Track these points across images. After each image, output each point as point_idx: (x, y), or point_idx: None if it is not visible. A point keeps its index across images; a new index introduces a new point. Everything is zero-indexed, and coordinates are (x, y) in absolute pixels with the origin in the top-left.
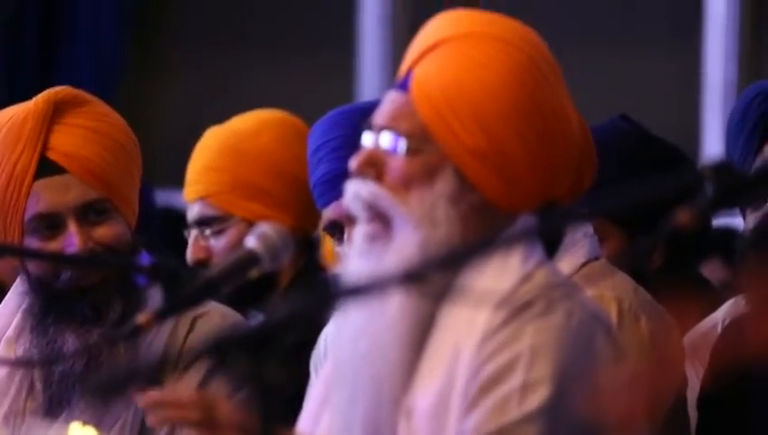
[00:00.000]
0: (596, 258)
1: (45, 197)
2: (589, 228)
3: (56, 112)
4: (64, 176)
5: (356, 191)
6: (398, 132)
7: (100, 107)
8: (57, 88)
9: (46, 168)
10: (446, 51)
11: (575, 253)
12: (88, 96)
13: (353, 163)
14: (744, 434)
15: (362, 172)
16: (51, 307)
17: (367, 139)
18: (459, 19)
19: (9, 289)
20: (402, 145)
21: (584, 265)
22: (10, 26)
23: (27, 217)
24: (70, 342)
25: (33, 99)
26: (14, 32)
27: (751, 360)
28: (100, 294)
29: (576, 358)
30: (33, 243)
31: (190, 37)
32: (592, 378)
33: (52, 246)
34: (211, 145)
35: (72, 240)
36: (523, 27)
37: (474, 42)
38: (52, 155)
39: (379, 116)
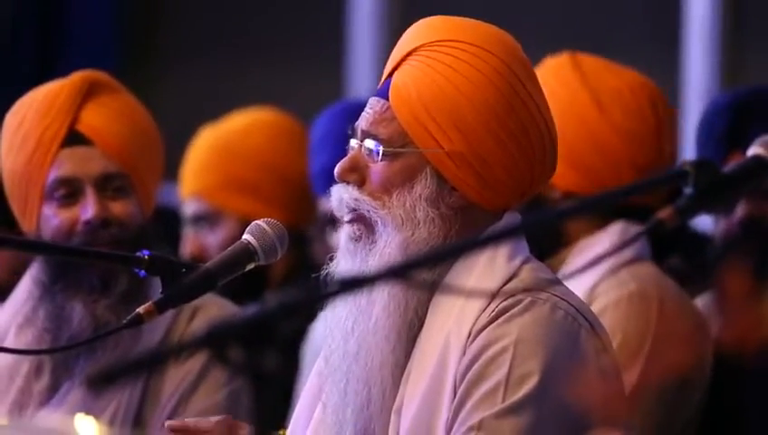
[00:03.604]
0: (640, 258)
1: (68, 164)
2: (639, 229)
3: (90, 91)
4: (89, 148)
5: (339, 197)
6: (377, 138)
7: (130, 97)
8: (93, 70)
9: (73, 138)
10: (422, 57)
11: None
12: (120, 85)
13: (337, 169)
14: (740, 422)
15: (345, 178)
16: (59, 276)
17: (351, 144)
18: (435, 26)
19: (4, 287)
20: (381, 150)
21: (630, 262)
22: (7, 25)
23: (49, 181)
24: (77, 309)
25: (70, 76)
26: (11, 30)
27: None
28: (108, 266)
29: (560, 351)
30: (50, 209)
31: (184, 36)
32: (577, 370)
33: (68, 213)
34: (204, 144)
35: (89, 207)
36: (497, 31)
37: (449, 48)
38: (80, 127)
39: (361, 122)
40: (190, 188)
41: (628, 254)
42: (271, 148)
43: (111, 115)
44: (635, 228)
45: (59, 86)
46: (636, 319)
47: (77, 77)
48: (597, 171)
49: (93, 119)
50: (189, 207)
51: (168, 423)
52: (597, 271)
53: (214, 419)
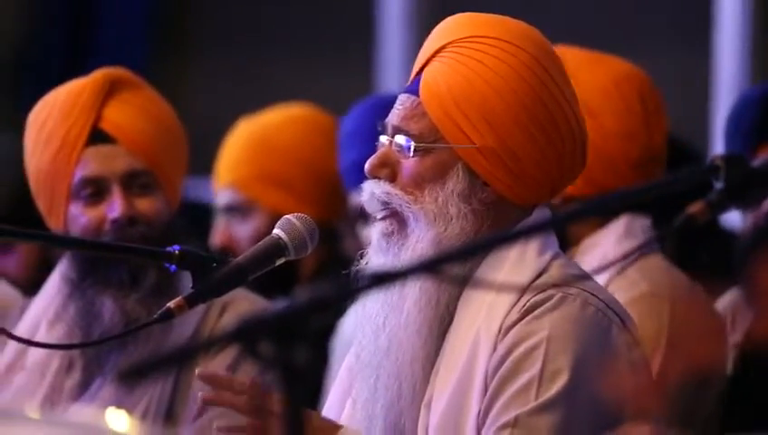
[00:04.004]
0: (648, 251)
1: (93, 163)
2: (646, 221)
3: (112, 88)
4: (114, 146)
5: (371, 192)
6: (409, 133)
7: (152, 92)
8: (114, 68)
9: (97, 136)
10: (452, 53)
11: (628, 243)
12: (142, 81)
13: (368, 165)
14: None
15: (376, 173)
16: (88, 272)
17: (381, 140)
18: (464, 22)
19: (28, 283)
20: (413, 146)
21: (637, 256)
22: (39, 21)
23: (75, 181)
24: (107, 305)
25: (91, 74)
26: (43, 25)
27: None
28: (137, 261)
29: (592, 347)
30: (76, 208)
31: (215, 31)
32: (609, 365)
33: (95, 211)
34: (240, 137)
35: (115, 205)
36: (526, 27)
37: (478, 44)
38: (104, 125)
39: (392, 118)
40: (225, 179)
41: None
42: (306, 144)
43: (134, 112)
44: (640, 221)
45: (81, 85)
46: (649, 320)
47: (99, 75)
48: (595, 174)
49: (116, 116)
50: (223, 198)
51: (198, 372)
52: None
53: (246, 380)
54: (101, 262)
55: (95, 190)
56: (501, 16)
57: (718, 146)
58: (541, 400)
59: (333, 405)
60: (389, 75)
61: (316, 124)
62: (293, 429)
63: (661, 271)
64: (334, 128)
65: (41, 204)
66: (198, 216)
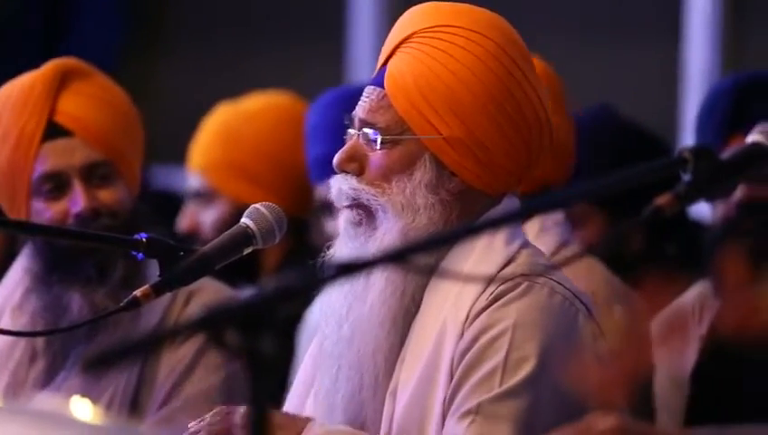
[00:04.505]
0: (566, 244)
1: (52, 158)
2: (559, 215)
3: (63, 80)
4: (70, 139)
5: (338, 187)
6: (375, 126)
7: (104, 78)
8: (64, 58)
9: (53, 131)
10: (416, 44)
11: (546, 238)
12: (93, 68)
13: (336, 159)
14: (736, 409)
15: (344, 167)
16: (55, 266)
17: (348, 133)
18: (429, 12)
19: None
20: (380, 138)
21: (556, 250)
22: (14, 5)
23: (34, 177)
24: (75, 299)
25: (41, 67)
26: (19, 11)
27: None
28: (104, 254)
29: (558, 335)
30: (39, 204)
31: (189, 20)
32: (574, 354)
33: (58, 206)
34: (214, 122)
35: (78, 199)
36: (491, 16)
37: (442, 33)
38: (59, 118)
39: (359, 111)
40: (195, 162)
41: (552, 244)
42: (277, 135)
43: (88, 102)
44: (552, 217)
45: (32, 79)
46: None
47: (49, 67)
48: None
49: (70, 108)
50: (192, 182)
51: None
52: None
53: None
54: (67, 256)
55: (55, 185)
56: (466, 5)
57: (688, 139)
58: (504, 387)
59: (297, 394)
60: (362, 66)
61: (291, 115)
62: (259, 418)
63: (589, 270)
64: None
65: (2, 201)
66: (170, 204)
